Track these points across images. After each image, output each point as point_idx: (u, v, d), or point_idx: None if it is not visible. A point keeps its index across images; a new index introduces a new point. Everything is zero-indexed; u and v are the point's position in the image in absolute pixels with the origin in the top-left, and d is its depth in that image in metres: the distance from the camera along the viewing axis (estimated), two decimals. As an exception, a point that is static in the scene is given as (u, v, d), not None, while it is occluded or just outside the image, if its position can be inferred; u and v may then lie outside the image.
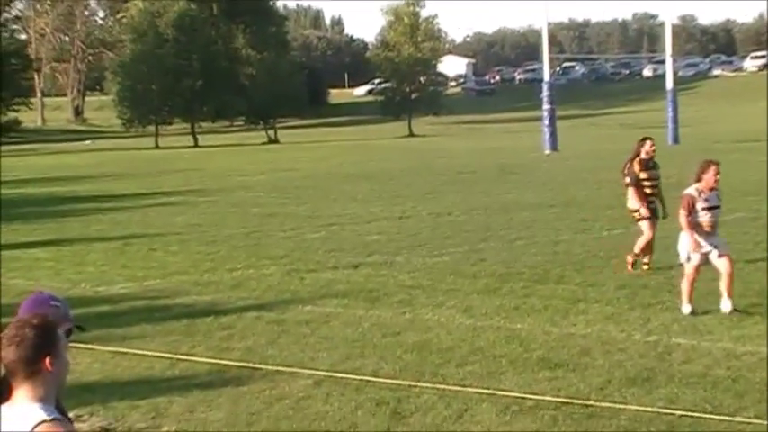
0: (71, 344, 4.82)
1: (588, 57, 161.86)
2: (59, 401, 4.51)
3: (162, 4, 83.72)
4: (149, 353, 13.13)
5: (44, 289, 6.30)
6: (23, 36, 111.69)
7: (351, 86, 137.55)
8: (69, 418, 4.59)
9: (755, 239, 20.75)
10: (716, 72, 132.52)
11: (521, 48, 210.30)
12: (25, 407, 4.32)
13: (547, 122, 55.89)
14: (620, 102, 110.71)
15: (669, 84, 61.56)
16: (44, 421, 4.27)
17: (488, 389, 11.06)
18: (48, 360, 4.35)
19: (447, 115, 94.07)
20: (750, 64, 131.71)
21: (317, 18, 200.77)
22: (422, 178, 39.09)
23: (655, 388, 10.98)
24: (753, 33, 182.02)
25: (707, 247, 14.66)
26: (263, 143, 78.32)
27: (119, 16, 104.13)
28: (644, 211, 18.21)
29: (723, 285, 14.49)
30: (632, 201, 18.46)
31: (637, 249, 18.03)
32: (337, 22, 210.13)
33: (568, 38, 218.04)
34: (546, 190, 33.05)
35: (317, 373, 11.95)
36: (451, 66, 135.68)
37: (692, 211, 14.71)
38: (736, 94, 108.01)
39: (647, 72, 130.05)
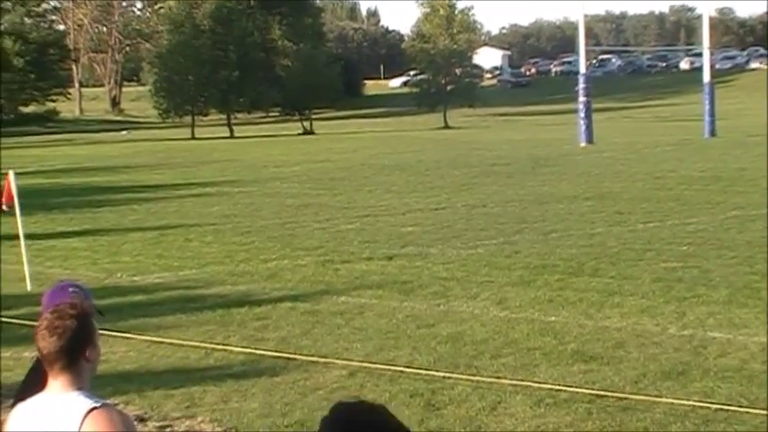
0: (107, 332, 4.82)
1: (625, 49, 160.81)
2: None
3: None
4: (184, 342, 13.20)
5: (76, 279, 6.35)
6: (62, 27, 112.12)
7: (386, 78, 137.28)
8: None
9: (792, 233, 20.59)
10: (753, 65, 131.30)
11: (557, 40, 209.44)
12: (65, 396, 4.26)
13: (582, 115, 55.68)
14: (656, 94, 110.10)
15: (706, 77, 61.16)
16: (94, 408, 4.20)
17: (522, 381, 11.05)
18: (87, 350, 4.34)
19: (482, 107, 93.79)
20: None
21: (352, 9, 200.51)
22: (457, 170, 39.04)
23: (690, 382, 10.94)
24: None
25: None
26: (299, 134, 78.36)
27: (156, 7, 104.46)
28: None
29: None
30: None
31: None
32: (373, 14, 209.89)
33: (605, 30, 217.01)
34: (581, 182, 32.95)
35: (351, 363, 11.97)
36: (487, 57, 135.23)
37: None
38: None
39: (684, 65, 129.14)
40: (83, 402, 4.22)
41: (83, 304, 4.51)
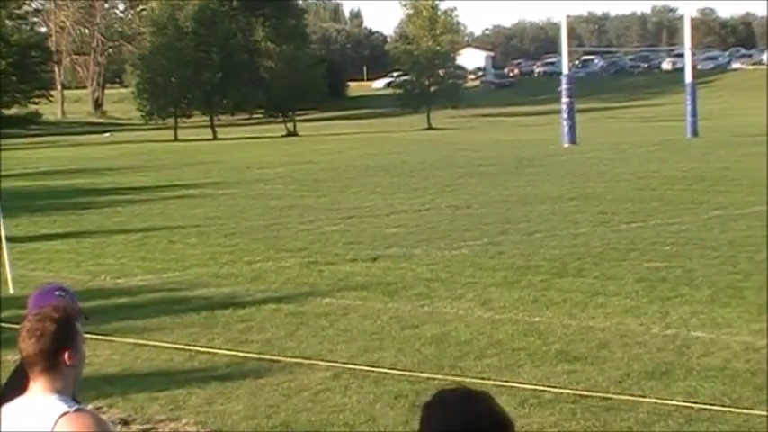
0: (90, 335, 4.81)
1: (607, 50, 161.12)
2: (75, 394, 4.45)
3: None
4: (168, 345, 13.18)
5: (60, 281, 6.35)
6: (44, 29, 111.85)
7: (370, 79, 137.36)
8: None
9: (775, 233, 20.65)
10: (735, 65, 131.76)
11: (540, 41, 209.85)
12: (42, 399, 4.25)
13: (566, 115, 55.76)
14: (639, 95, 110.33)
15: (688, 77, 61.32)
16: (66, 413, 4.18)
17: (507, 381, 11.07)
18: (67, 354, 4.32)
19: (466, 108, 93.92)
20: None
21: (336, 11, 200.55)
22: (441, 171, 39.05)
23: (673, 381, 10.97)
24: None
25: None
26: (283, 136, 78.29)
27: (139, 9, 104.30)
28: None
29: None
30: None
31: None
32: (356, 15, 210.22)
33: (587, 31, 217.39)
34: (565, 183, 33.00)
35: (336, 365, 11.97)
36: (470, 59, 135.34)
37: None
38: (756, 88, 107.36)
39: (667, 65, 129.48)
40: (58, 406, 4.21)
41: (66, 307, 4.49)
